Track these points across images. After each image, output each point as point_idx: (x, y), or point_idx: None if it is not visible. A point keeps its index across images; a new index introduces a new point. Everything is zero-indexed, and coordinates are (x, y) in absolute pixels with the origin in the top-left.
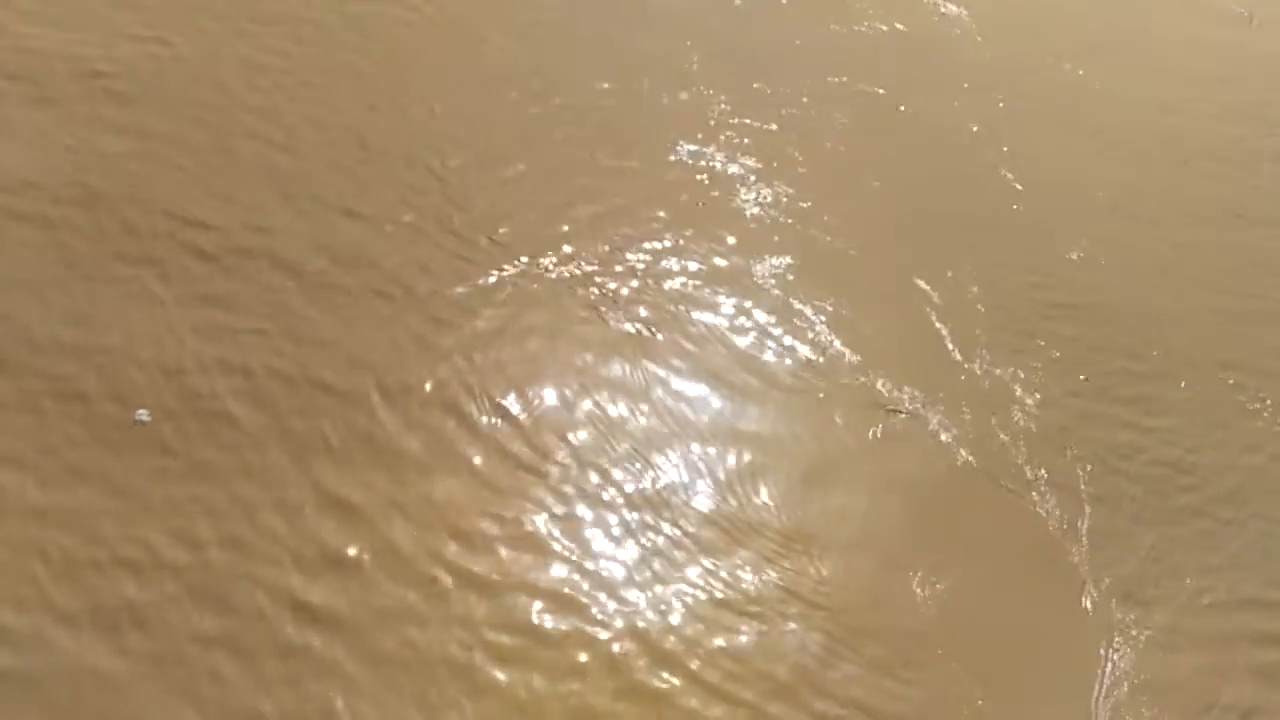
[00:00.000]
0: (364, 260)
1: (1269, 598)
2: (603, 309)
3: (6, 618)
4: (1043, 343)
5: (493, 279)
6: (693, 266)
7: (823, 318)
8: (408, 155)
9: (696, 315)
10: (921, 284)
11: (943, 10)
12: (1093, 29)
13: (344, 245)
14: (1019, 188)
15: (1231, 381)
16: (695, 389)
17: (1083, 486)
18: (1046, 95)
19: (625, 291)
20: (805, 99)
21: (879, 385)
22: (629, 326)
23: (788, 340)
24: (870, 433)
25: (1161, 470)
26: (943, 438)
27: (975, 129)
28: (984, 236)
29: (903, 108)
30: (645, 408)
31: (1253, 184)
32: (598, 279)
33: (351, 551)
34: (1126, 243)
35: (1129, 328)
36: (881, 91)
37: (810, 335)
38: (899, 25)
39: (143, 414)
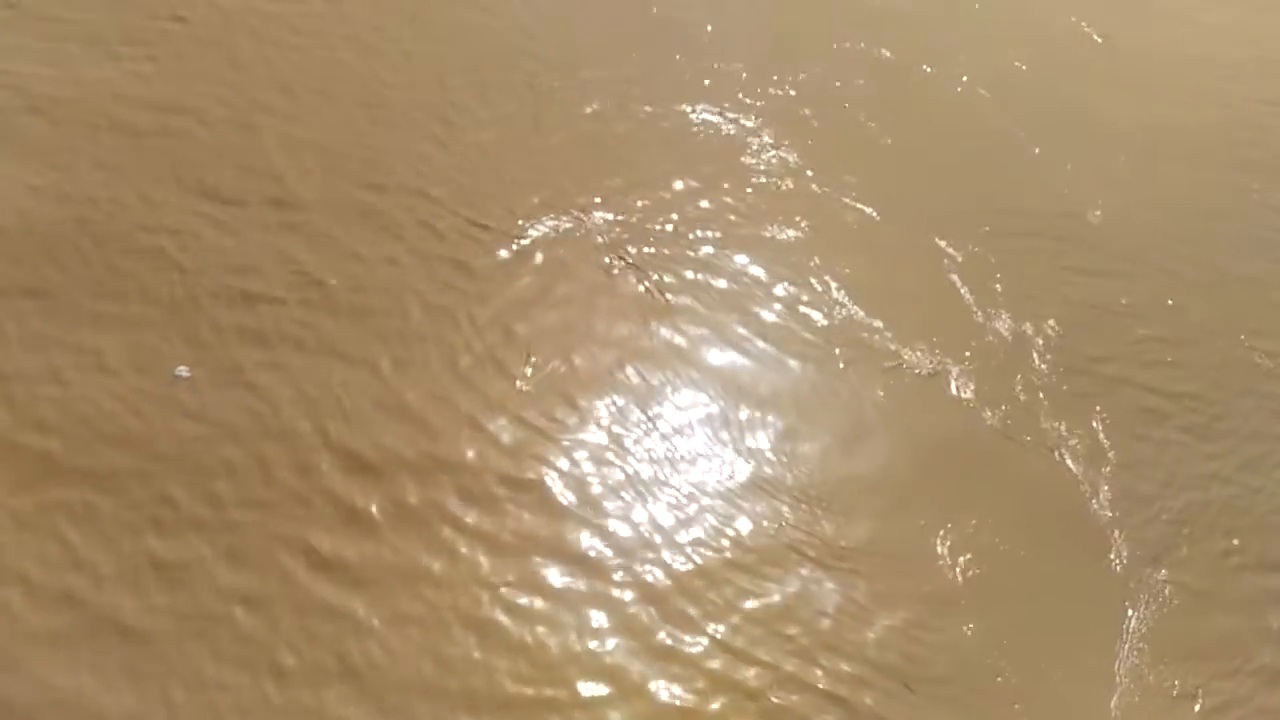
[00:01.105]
0: (383, 232)
1: None
2: (623, 277)
3: (37, 576)
4: (1065, 307)
5: (510, 250)
6: (714, 234)
7: (843, 281)
8: (425, 129)
9: (718, 282)
10: (941, 243)
11: None
12: None
13: (362, 217)
14: (1036, 151)
15: (1258, 350)
16: (716, 355)
17: (1108, 451)
18: (1065, 59)
19: (647, 260)
20: (819, 65)
21: (898, 345)
22: (649, 293)
23: (808, 303)
24: (891, 392)
25: (1187, 437)
26: (964, 397)
27: (990, 92)
28: (1002, 200)
29: (924, 68)
30: (663, 374)
31: None
32: (619, 250)
33: (371, 507)
34: (1149, 209)
35: (1153, 295)
36: (894, 55)
37: (830, 298)
38: None
39: (182, 370)
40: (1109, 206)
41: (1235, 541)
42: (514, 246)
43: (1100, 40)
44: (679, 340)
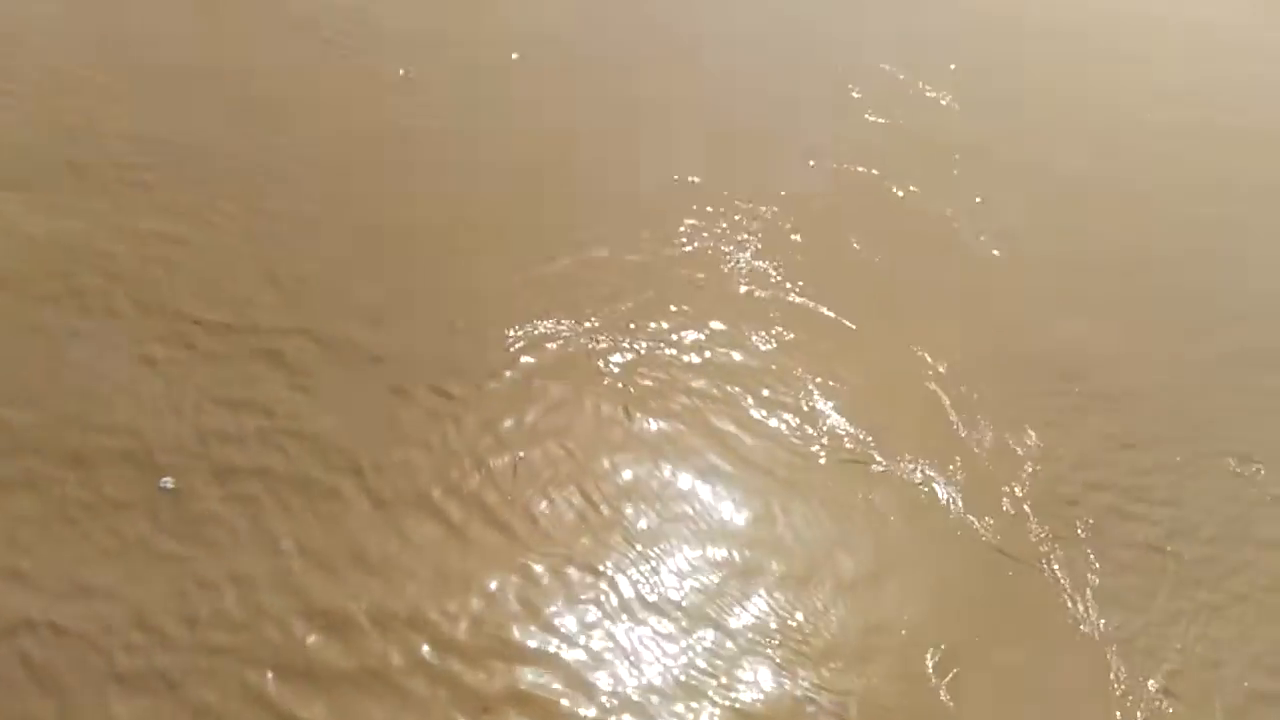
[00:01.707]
0: (369, 356)
1: None
2: (612, 407)
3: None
4: (1043, 414)
5: (498, 377)
6: (702, 353)
7: (828, 393)
8: (422, 253)
9: (706, 404)
10: (922, 355)
11: (929, 95)
12: (1065, 108)
13: (348, 342)
14: (1008, 269)
15: (1237, 469)
16: (705, 482)
17: (1095, 562)
18: (1028, 174)
19: (636, 386)
20: (803, 183)
21: (885, 457)
22: (636, 420)
23: (796, 418)
24: (880, 506)
25: (1171, 545)
26: (953, 509)
27: (962, 208)
28: (979, 314)
29: (896, 190)
30: (651, 504)
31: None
32: (610, 378)
33: (339, 658)
34: (1118, 326)
35: (1135, 411)
36: (875, 173)
37: (816, 411)
38: (893, 115)
39: (166, 481)
40: (1078, 323)
41: (1224, 650)
42: (503, 378)
43: (1060, 157)
44: (667, 470)
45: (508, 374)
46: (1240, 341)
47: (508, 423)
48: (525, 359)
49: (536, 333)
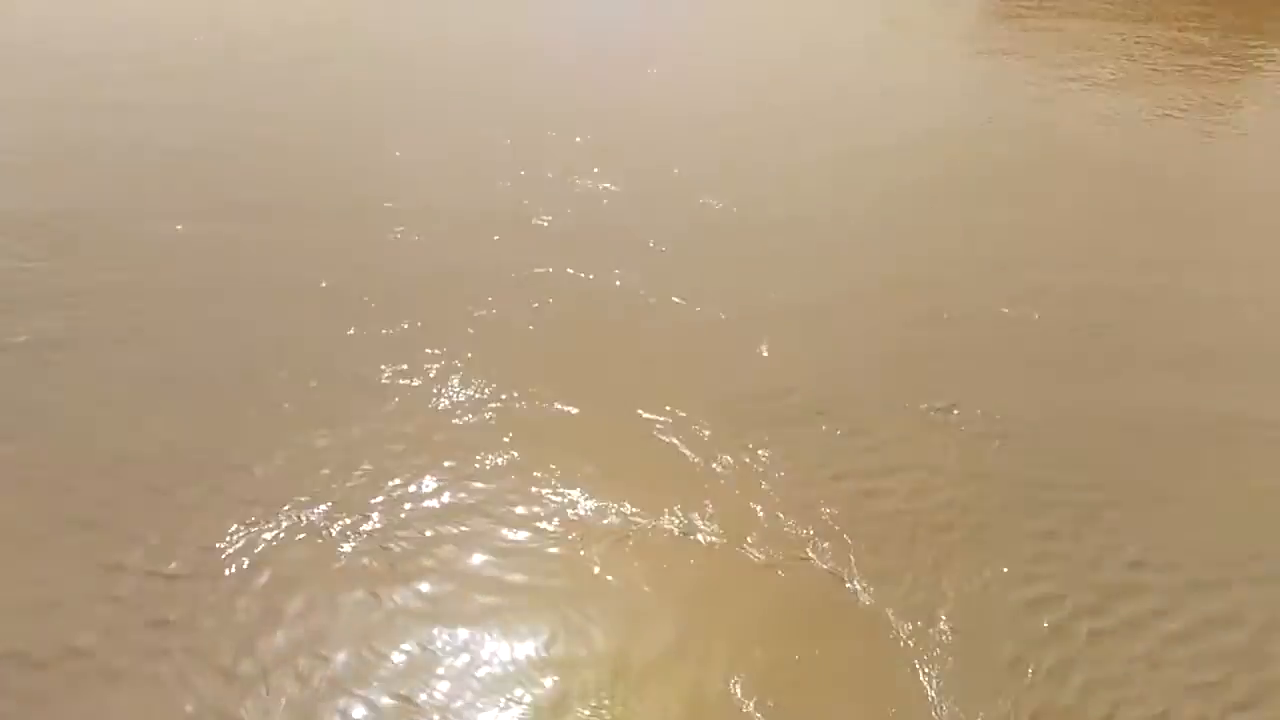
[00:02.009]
0: (65, 649)
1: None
2: (358, 587)
3: None
4: (770, 429)
5: (225, 609)
6: (436, 487)
7: (572, 485)
8: (107, 505)
9: (460, 547)
10: (645, 415)
11: (593, 187)
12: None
13: (34, 640)
14: (689, 309)
15: (932, 409)
16: (482, 627)
17: (850, 542)
18: (701, 235)
19: (374, 544)
20: (491, 304)
21: (645, 520)
22: (383, 577)
23: (551, 525)
24: (652, 567)
25: (912, 503)
26: (717, 542)
27: (643, 277)
28: (679, 361)
29: (584, 274)
30: (432, 674)
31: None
32: (348, 557)
33: None
34: (804, 330)
35: (830, 396)
36: (550, 270)
37: (564, 502)
38: (562, 213)
39: None
40: (774, 342)
41: (986, 573)
42: (228, 603)
43: (722, 207)
44: (439, 632)
45: (237, 602)
46: (917, 310)
47: (247, 659)
48: (253, 579)
49: (260, 545)
